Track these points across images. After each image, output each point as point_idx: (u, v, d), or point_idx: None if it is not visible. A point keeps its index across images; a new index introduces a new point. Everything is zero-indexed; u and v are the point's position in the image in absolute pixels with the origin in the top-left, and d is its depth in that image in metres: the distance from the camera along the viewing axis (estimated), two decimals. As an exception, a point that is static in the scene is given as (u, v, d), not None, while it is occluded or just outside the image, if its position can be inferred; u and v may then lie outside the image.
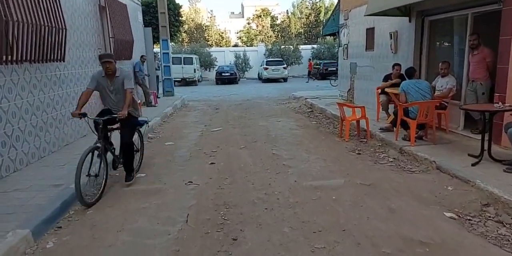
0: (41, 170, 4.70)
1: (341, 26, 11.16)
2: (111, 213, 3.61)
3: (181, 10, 19.54)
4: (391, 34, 7.92)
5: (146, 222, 3.40)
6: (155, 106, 11.19)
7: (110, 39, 8.30)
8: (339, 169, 4.84)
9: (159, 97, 13.05)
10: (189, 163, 5.42)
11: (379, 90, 7.79)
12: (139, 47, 11.50)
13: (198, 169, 5.07)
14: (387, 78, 7.41)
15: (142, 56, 11.10)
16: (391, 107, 7.46)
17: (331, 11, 35.09)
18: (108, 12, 8.21)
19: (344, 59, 11.10)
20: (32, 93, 5.21)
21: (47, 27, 5.36)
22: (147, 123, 5.08)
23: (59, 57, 5.85)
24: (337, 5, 12.07)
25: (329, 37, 34.48)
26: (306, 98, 12.66)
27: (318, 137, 6.91)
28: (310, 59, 26.90)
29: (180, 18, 19.44)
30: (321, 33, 14.69)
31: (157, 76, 13.42)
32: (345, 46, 10.90)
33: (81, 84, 6.87)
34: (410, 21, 7.25)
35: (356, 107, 6.75)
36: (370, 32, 9.23)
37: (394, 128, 6.46)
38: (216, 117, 9.99)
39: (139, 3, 12.03)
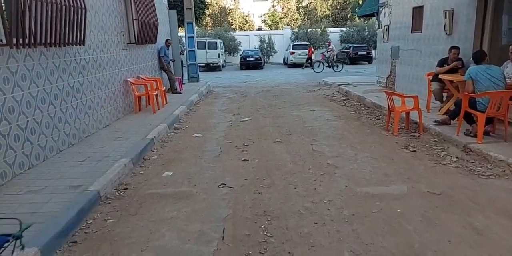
0: (59, 167, 4.24)
1: (381, 6, 10.17)
2: (135, 224, 3.08)
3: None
4: (445, 13, 6.96)
5: (175, 237, 2.85)
6: (180, 92, 10.66)
7: (134, 21, 7.73)
8: (396, 172, 4.15)
9: (184, 83, 12.54)
10: (220, 159, 4.85)
11: (430, 77, 6.93)
12: (164, 31, 10.92)
13: (230, 168, 4.49)
14: (443, 62, 6.52)
15: (167, 40, 10.53)
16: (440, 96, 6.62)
17: None
18: (131, -8, 7.61)
19: (384, 42, 10.14)
20: (49, 81, 4.72)
21: (64, 6, 4.81)
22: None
23: (78, 41, 5.32)
24: (377, -18, 11.01)
25: (361, 18, 33.06)
26: (339, 85, 11.83)
27: (362, 130, 6.18)
28: (309, 44, 24.18)
29: (206, 0, 18.65)
30: (357, 14, 13.63)
31: (181, 61, 12.86)
32: (386, 27, 9.94)
33: (103, 70, 6.36)
34: (471, -3, 6.29)
35: (407, 96, 5.94)
36: (417, 11, 8.25)
37: (452, 120, 5.66)
38: (244, 105, 9.37)
39: (164, -17, 11.38)
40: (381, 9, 10.24)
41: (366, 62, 24.63)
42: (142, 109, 7.89)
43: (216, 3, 37.17)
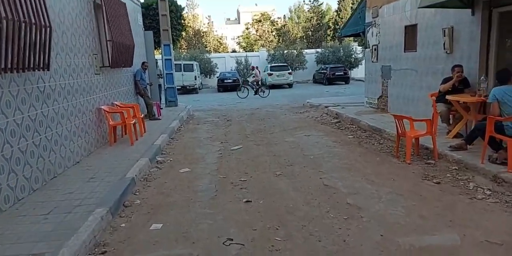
0: (15, 225, 3.31)
1: (368, 25, 9.89)
2: None
3: (183, 12, 18.26)
4: (444, 31, 6.62)
5: None
6: (159, 119, 9.82)
7: (108, 42, 6.96)
8: (433, 212, 3.49)
9: (161, 108, 11.71)
10: (217, 202, 4.05)
11: (434, 98, 6.48)
12: (140, 53, 10.16)
13: (232, 213, 3.70)
14: (447, 82, 6.09)
15: (143, 63, 9.76)
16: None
17: (350, 11, 33.86)
18: (104, 11, 6.87)
19: (373, 61, 9.80)
20: (5, 114, 3.84)
21: (24, 24, 4.01)
22: None
23: (42, 65, 4.49)
24: (361, 2, 10.81)
25: (335, 40, 33.52)
26: (326, 106, 11.36)
27: (370, 158, 5.56)
28: (257, 67, 20.78)
29: (183, 21, 18.13)
30: (340, 34, 13.41)
31: (159, 85, 12.08)
32: (374, 47, 9.62)
33: (72, 98, 5.51)
34: (473, 13, 5.96)
35: (419, 120, 5.40)
36: (410, 30, 7.95)
37: (469, 145, 5.15)
38: (231, 131, 8.64)
39: (139, 3, 10.73)
40: (368, 28, 9.97)
41: (343, 83, 24.64)
42: (118, 139, 7.00)
43: (190, 26, 36.88)
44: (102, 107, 6.57)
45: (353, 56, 28.49)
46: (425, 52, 7.41)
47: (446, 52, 6.68)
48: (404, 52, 8.20)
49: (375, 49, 9.62)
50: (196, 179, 4.88)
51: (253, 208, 3.84)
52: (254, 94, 18.28)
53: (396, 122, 5.45)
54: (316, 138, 7.21)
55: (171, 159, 5.99)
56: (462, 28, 6.29)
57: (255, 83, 18.82)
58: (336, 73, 24.32)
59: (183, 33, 23.21)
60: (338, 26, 36.67)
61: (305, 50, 29.22)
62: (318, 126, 8.70)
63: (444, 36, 6.64)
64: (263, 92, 18.18)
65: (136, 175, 4.74)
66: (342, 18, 36.36)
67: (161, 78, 12.19)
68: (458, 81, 6.04)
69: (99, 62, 6.78)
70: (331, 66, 25.21)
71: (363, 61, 27.59)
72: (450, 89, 6.00)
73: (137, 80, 9.39)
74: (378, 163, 5.23)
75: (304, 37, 37.23)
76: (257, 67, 20.75)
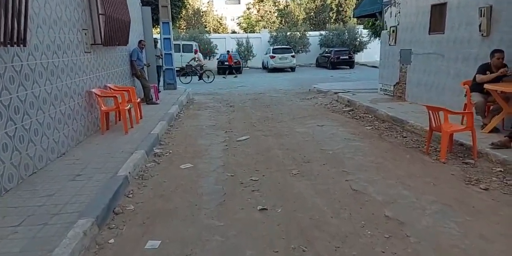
0: (-24, 239, 2.64)
1: (386, 4, 9.04)
2: None
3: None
4: (481, 10, 5.84)
5: None
6: (156, 103, 9.06)
7: (100, 16, 6.12)
8: (495, 231, 2.84)
9: (159, 91, 10.92)
10: (227, 209, 3.38)
11: (467, 86, 5.77)
12: (136, 30, 9.31)
13: (246, 227, 3.04)
14: (484, 69, 5.37)
15: (140, 42, 8.91)
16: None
17: None
18: (95, -20, 6.01)
19: (390, 44, 9.00)
20: (-33, 98, 3.10)
21: (-10, -12, 3.22)
22: None
23: (17, 39, 3.72)
24: (378, -21, 9.91)
25: (340, 22, 32.28)
26: (335, 93, 10.62)
27: (397, 154, 4.88)
28: (228, 51, 21.56)
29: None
30: (353, 14, 12.49)
31: (159, 66, 11.21)
32: (393, 29, 8.80)
33: (57, 80, 4.74)
34: (521, -10, 5.18)
35: (458, 113, 4.70)
36: (437, 9, 7.14)
37: (514, 143, 4.47)
38: (235, 118, 7.93)
39: (135, -25, 9.77)
40: (385, 8, 9.12)
41: (348, 67, 23.77)
42: (111, 127, 6.28)
43: (190, 4, 35.43)
44: (93, 90, 5.81)
45: (358, 39, 27.45)
46: (455, 35, 6.64)
47: (482, 34, 5.92)
48: (429, 34, 7.41)
49: (393, 31, 8.80)
50: (200, 178, 4.20)
51: (270, 218, 3.18)
52: (198, 80, 17.13)
53: (430, 114, 4.74)
54: (330, 129, 6.51)
55: (170, 151, 5.29)
56: (504, 7, 5.51)
57: (198, 67, 17.65)
58: (341, 57, 23.40)
59: (183, 11, 22.02)
60: (341, 8, 35.45)
61: (309, 32, 28.11)
62: (330, 115, 7.99)
63: (481, 16, 5.86)
64: (208, 76, 16.94)
65: (130, 172, 4.05)
66: (346, 0, 35.08)
67: (161, 58, 11.30)
68: (497, 68, 5.31)
69: (90, 38, 5.97)
70: (336, 49, 24.23)
71: (368, 44, 27.03)
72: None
73: (133, 60, 8.58)
74: (409, 162, 4.56)
75: (307, 19, 35.92)
76: (198, 51, 19.51)
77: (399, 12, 8.52)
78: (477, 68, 5.50)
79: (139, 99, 6.98)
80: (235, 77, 19.45)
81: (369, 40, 25.63)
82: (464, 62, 6.44)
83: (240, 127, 6.95)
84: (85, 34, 5.75)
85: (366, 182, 3.91)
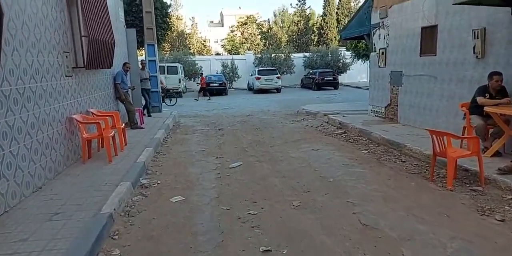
0: None
1: (374, 27, 9.06)
2: None
3: (169, 10, 17.06)
4: (475, 32, 5.82)
5: None
6: (142, 127, 8.67)
7: (83, 39, 5.81)
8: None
9: (150, 115, 10.54)
10: (226, 251, 3.00)
11: (465, 108, 5.65)
12: (121, 53, 9.02)
13: (250, 272, 2.66)
14: (483, 92, 5.25)
15: (125, 64, 8.60)
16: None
17: (335, 15, 33.22)
18: (79, 1, 5.74)
19: (379, 66, 8.96)
20: None
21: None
22: None
23: (-11, 63, 3.36)
24: (365, 2, 9.99)
25: (322, 45, 32.85)
26: (325, 114, 10.48)
27: (402, 182, 4.62)
28: (201, 73, 21.59)
29: (168, 20, 16.90)
30: (339, 37, 12.56)
31: (147, 89, 10.72)
32: (382, 51, 8.79)
33: (34, 107, 4.35)
34: (514, 12, 5.17)
35: (460, 137, 4.51)
36: (428, 31, 7.13)
37: (522, 169, 4.28)
38: (225, 142, 7.60)
39: (120, -2, 9.59)
40: (374, 30, 9.14)
41: (332, 88, 23.98)
42: (94, 155, 5.85)
43: (174, 26, 35.56)
44: (74, 116, 5.42)
45: (341, 61, 27.91)
46: (448, 57, 6.60)
47: (477, 56, 5.87)
48: (420, 56, 7.38)
49: (382, 53, 8.79)
50: (193, 213, 3.81)
51: (276, 261, 2.82)
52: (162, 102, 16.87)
53: (433, 139, 4.53)
54: (326, 154, 6.25)
55: (158, 181, 4.89)
56: (498, 29, 5.49)
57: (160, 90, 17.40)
58: (326, 78, 23.61)
59: (168, 33, 21.93)
60: (323, 31, 36.25)
61: (293, 54, 28.43)
62: (323, 138, 7.76)
63: (475, 38, 5.83)
64: (170, 100, 16.50)
65: (115, 209, 3.64)
66: (327, 23, 35.94)
67: (149, 80, 10.84)
68: (495, 91, 5.21)
69: (72, 62, 5.63)
70: (320, 71, 24.47)
71: (351, 66, 27.50)
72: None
73: (117, 83, 8.24)
74: (416, 190, 4.30)
75: (290, 41, 36.51)
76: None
77: (388, 35, 8.54)
78: (476, 90, 5.39)
79: (123, 125, 6.59)
80: (208, 99, 18.91)
81: (352, 62, 26.09)
82: (458, 84, 6.37)
83: (232, 152, 6.62)
84: (66, 57, 5.42)
85: (375, 215, 3.60)
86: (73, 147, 5.47)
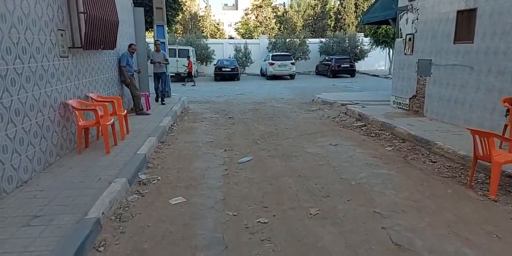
0: None
1: (402, 10, 8.26)
2: None
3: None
4: (525, 17, 5.06)
5: None
6: (147, 114, 8.16)
7: (81, 15, 5.24)
8: None
9: (164, 103, 9.62)
10: (231, 273, 2.49)
11: (507, 104, 4.96)
12: (127, 33, 8.44)
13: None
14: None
15: (130, 45, 8.02)
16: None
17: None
18: (77, -27, 5.14)
19: (406, 54, 8.21)
20: None
21: None
22: None
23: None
24: (391, -18, 9.14)
25: (341, 30, 31.68)
26: (343, 104, 9.82)
27: (437, 188, 4.02)
28: (188, 57, 19.38)
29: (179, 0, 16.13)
30: (361, 21, 11.73)
31: (160, 74, 9.81)
32: (409, 37, 8.02)
33: (20, 91, 3.84)
34: None
35: (507, 139, 3.86)
36: (464, 15, 6.36)
37: None
38: (235, 132, 7.05)
39: (127, -27, 8.92)
40: (401, 14, 8.34)
41: (349, 76, 23.06)
42: (92, 143, 5.38)
43: (187, 8, 34.69)
44: (69, 101, 4.91)
45: (359, 47, 26.81)
46: (488, 45, 5.85)
47: (526, 45, 5.13)
48: (454, 43, 6.63)
49: (410, 39, 8.02)
50: (194, 220, 3.30)
51: (291, 291, 2.29)
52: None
53: (475, 140, 3.90)
54: (346, 150, 5.66)
55: (159, 177, 4.38)
56: (555, 13, 4.73)
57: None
58: (342, 65, 22.68)
59: (179, 14, 21.16)
60: (340, 16, 34.90)
61: (309, 39, 27.41)
62: (341, 131, 7.14)
63: (525, 24, 5.08)
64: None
65: (104, 213, 3.14)
66: (345, 8, 34.55)
67: (167, 63, 10.05)
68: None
69: (68, 41, 5.09)
70: (337, 57, 23.49)
71: (369, 53, 26.41)
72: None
73: (122, 66, 7.69)
74: (454, 199, 3.70)
75: (306, 26, 35.32)
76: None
77: (417, 19, 7.75)
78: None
79: (125, 112, 6.07)
80: (193, 85, 17.87)
81: (370, 49, 25.04)
82: (498, 76, 5.65)
83: (242, 145, 6.08)
84: (62, 35, 4.87)
85: (409, 231, 3.03)
86: (69, 136, 4.99)
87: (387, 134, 6.74)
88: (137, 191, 3.94)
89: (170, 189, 4.02)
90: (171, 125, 7.54)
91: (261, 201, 3.74)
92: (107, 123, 5.02)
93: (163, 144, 6.03)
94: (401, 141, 6.22)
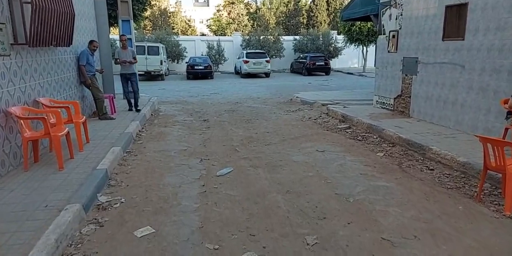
0: None
1: (384, 6, 7.85)
2: None
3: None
4: (524, 11, 4.69)
5: None
6: (112, 118, 7.34)
7: (24, 5, 4.41)
8: None
9: (138, 109, 8.17)
10: None
11: (507, 105, 4.58)
12: (87, 28, 7.57)
13: None
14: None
15: (91, 42, 7.16)
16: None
17: None
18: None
19: (389, 51, 7.81)
20: None
21: None
22: None
23: None
24: (374, -24, 8.71)
25: (314, 27, 31.39)
26: (323, 104, 9.36)
27: (443, 203, 3.54)
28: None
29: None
30: (340, 17, 11.28)
31: (130, 75, 8.14)
32: (393, 34, 7.62)
33: None
34: None
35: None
36: (454, 10, 5.98)
37: None
38: (211, 138, 6.40)
39: (87, -38, 8.02)
40: (383, 9, 7.93)
41: (323, 73, 22.80)
42: (42, 157, 4.58)
43: (155, 4, 33.40)
44: (12, 109, 4.10)
45: (333, 45, 26.63)
46: (480, 41, 5.48)
47: (524, 42, 4.77)
48: (443, 40, 6.25)
49: (393, 36, 7.62)
50: (165, 259, 2.65)
51: None
52: None
53: (485, 149, 3.45)
54: (335, 157, 5.14)
55: (122, 199, 3.68)
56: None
57: None
58: (317, 63, 22.38)
59: (148, 9, 20.11)
60: (312, 14, 34.67)
61: (283, 37, 26.97)
62: (326, 134, 6.64)
63: (524, 19, 4.71)
64: None
65: (45, 253, 2.43)
66: (317, 5, 34.35)
67: (135, 61, 8.35)
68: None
69: (9, 36, 4.26)
70: (311, 55, 23.18)
71: (343, 50, 26.29)
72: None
73: (82, 65, 6.84)
74: (468, 218, 3.23)
75: (279, 23, 34.88)
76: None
77: (401, 14, 7.35)
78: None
79: (84, 118, 5.28)
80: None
81: (344, 46, 24.89)
82: (493, 74, 5.29)
83: (219, 153, 5.44)
84: (1, 30, 4.05)
85: (428, 266, 2.52)
86: (13, 149, 4.18)
87: (375, 137, 6.30)
88: (95, 219, 3.23)
89: (135, 215, 3.33)
90: (139, 131, 6.78)
91: (246, 226, 3.14)
92: (60, 133, 4.24)
93: (129, 154, 5.29)
94: (391, 145, 5.79)
